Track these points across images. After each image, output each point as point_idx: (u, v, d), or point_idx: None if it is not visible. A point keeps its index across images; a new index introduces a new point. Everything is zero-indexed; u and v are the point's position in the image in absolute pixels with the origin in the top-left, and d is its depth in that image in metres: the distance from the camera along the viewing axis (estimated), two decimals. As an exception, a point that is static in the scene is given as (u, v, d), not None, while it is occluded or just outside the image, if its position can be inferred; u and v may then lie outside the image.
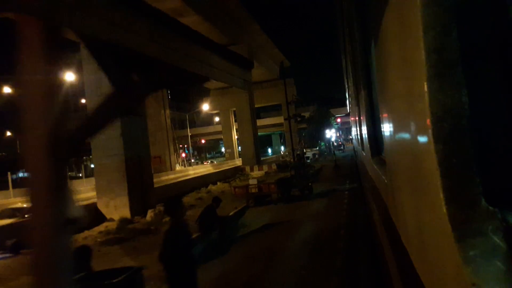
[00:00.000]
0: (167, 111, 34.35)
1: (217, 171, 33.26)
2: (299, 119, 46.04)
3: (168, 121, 34.58)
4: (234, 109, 63.29)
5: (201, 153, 73.11)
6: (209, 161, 59.29)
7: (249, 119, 31.15)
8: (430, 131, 0.65)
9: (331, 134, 45.29)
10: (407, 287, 1.25)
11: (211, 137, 74.17)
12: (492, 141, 0.73)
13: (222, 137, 61.29)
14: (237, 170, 31.72)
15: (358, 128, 4.51)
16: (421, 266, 0.92)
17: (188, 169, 41.62)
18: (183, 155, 62.16)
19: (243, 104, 31.59)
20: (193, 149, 78.39)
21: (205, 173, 33.76)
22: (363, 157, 4.28)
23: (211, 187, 22.62)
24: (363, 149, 3.63)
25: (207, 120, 74.43)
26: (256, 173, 29.21)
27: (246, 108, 31.35)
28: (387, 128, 1.28)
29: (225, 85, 58.43)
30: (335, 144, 52.47)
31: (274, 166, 31.80)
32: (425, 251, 0.84)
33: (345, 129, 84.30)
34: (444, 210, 0.62)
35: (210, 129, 74.23)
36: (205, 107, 51.03)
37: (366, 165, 3.53)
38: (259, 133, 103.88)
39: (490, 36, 0.73)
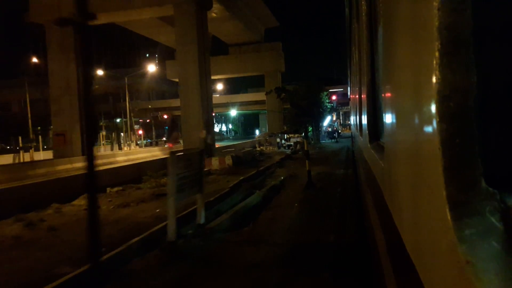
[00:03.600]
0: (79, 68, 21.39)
1: (149, 160, 20.78)
2: (283, 94, 32.73)
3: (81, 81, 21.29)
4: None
5: (173, 131, 61.44)
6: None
7: (197, 84, 18.81)
8: (435, 110, 0.68)
9: (320, 115, 33.43)
10: (396, 268, 1.29)
11: (179, 112, 61.34)
12: (497, 124, 0.76)
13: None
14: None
15: (357, 113, 4.45)
16: (413, 246, 0.96)
17: (116, 154, 28.78)
18: (140, 132, 49.93)
19: (187, 60, 19.16)
20: (158, 125, 66.06)
21: (134, 161, 21.25)
22: (361, 143, 4.17)
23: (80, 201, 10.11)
24: (361, 135, 3.67)
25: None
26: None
27: (193, 67, 19.01)
28: (389, 110, 1.30)
29: None
30: (329, 129, 40.07)
31: (229, 159, 22.36)
32: (419, 230, 0.88)
33: (343, 114, 72.71)
34: (443, 190, 0.66)
35: (179, 102, 61.27)
36: (152, 68, 37.60)
37: (364, 151, 3.47)
38: (243, 111, 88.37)
39: (504, 16, 0.75)
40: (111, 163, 25.58)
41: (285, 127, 40.67)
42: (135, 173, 18.10)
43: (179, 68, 23.31)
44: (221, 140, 78.32)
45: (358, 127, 4.40)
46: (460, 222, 0.63)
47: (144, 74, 49.44)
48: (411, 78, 0.89)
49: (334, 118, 65.15)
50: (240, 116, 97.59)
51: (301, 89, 34.15)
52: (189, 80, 22.58)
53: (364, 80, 2.85)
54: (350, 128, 34.29)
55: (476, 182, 0.64)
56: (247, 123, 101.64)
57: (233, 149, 27.53)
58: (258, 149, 30.79)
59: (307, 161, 11.17)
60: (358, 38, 3.64)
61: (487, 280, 0.57)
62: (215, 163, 22.67)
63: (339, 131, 47.38)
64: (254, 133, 71.59)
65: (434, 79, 0.68)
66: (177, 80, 52.26)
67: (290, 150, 30.04)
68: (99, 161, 26.33)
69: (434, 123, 0.68)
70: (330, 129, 44.91)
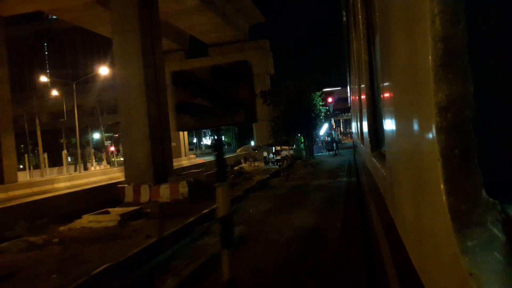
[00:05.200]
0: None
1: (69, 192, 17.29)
2: (268, 102, 27.84)
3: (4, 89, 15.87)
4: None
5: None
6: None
7: (141, 86, 11.98)
8: (433, 121, 0.71)
9: (313, 122, 27.61)
10: (401, 277, 1.34)
11: None
12: (495, 133, 0.79)
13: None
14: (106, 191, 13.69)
15: (358, 121, 4.61)
16: (417, 257, 1.00)
17: (56, 180, 23.17)
18: (112, 148, 44.49)
19: (126, 53, 12.34)
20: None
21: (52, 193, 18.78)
22: (362, 152, 4.31)
23: None
24: (363, 143, 3.79)
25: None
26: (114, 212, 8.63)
27: (135, 63, 12.33)
28: (388, 120, 1.35)
29: (171, 47, 38.28)
30: (327, 139, 34.07)
31: (183, 187, 16.10)
32: (422, 242, 0.92)
33: (344, 121, 67.60)
34: (444, 201, 0.69)
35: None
36: (105, 71, 31.75)
37: (366, 160, 3.59)
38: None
39: (498, 26, 0.79)
40: (39, 193, 19.83)
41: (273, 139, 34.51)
42: (32, 213, 12.07)
43: (116, 63, 17.37)
44: (212, 153, 71.93)
45: (360, 136, 4.46)
46: (462, 233, 0.65)
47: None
48: (409, 89, 0.93)
49: (334, 126, 58.77)
50: (233, 127, 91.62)
51: (288, 90, 27.95)
52: (130, 80, 16.74)
53: (363, 88, 2.97)
54: (351, 137, 31.02)
55: (477, 192, 0.66)
56: (242, 134, 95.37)
57: (200, 170, 21.31)
58: (236, 167, 24.63)
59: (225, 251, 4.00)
60: (357, 47, 3.82)
61: None
62: (164, 193, 16.59)
63: (339, 141, 40.88)
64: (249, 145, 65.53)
65: (431, 91, 0.71)
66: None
67: (278, 165, 24.08)
68: (23, 191, 20.24)
69: (433, 133, 0.71)
70: (329, 139, 38.14)
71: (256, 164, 29.65)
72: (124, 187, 16.83)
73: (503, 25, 0.77)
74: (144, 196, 16.43)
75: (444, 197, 0.67)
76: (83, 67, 71.19)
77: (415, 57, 0.83)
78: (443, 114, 0.68)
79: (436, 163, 0.69)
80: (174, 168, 29.87)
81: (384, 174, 1.69)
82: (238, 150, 49.67)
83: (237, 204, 12.28)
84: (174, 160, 40.87)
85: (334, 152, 32.57)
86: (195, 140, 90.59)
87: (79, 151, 36.16)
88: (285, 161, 24.49)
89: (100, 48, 68.47)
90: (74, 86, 33.53)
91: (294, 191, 14.42)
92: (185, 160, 42.49)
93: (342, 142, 48.67)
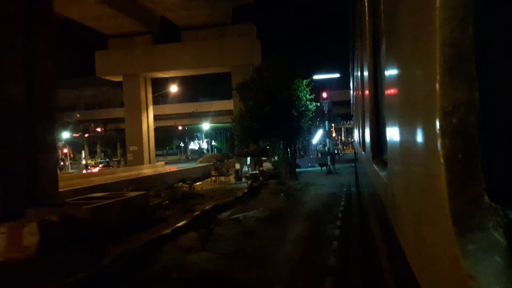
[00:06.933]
0: None
1: None
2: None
3: None
4: (152, 74, 32.94)
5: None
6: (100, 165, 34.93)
7: None
8: (437, 126, 0.75)
9: (294, 123, 19.90)
10: (399, 283, 1.36)
11: (120, 125, 50.09)
12: (498, 139, 0.82)
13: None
14: None
15: (360, 130, 4.66)
16: (416, 261, 1.04)
17: None
18: (65, 150, 38.61)
19: None
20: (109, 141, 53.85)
21: None
22: (363, 160, 4.38)
23: None
24: (364, 151, 3.82)
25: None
26: None
27: None
28: (392, 124, 1.38)
29: (135, 29, 28.55)
30: (323, 150, 26.67)
31: (31, 235, 8.42)
32: (421, 246, 0.96)
33: (346, 130, 62.08)
34: (446, 205, 0.72)
35: (117, 113, 49.62)
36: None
37: (366, 168, 3.63)
38: (219, 124, 74.32)
39: (506, 33, 0.82)
40: None
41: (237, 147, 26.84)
42: None
43: None
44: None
45: (361, 143, 4.44)
46: (463, 237, 0.68)
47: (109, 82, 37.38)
48: (414, 94, 0.96)
49: (334, 134, 51.01)
50: (225, 130, 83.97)
51: (261, 77, 20.20)
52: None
53: (366, 94, 2.94)
54: (353, 147, 27.64)
55: (479, 197, 0.69)
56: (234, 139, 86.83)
57: (106, 194, 13.56)
58: (185, 185, 17.25)
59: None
60: (361, 53, 3.83)
61: None
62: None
63: (338, 153, 32.93)
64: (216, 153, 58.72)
65: (436, 95, 0.74)
66: (113, 78, 39.50)
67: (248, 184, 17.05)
68: None
69: (437, 138, 0.74)
70: (326, 149, 30.21)
71: (223, 179, 22.33)
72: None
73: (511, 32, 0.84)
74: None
75: (446, 201, 0.70)
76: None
77: (421, 61, 0.85)
78: (448, 118, 0.70)
79: (440, 167, 0.71)
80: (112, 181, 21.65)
81: (385, 180, 1.72)
82: (198, 161, 40.15)
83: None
84: (133, 168, 33.48)
85: (327, 168, 25.04)
86: (181, 144, 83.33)
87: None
88: (251, 182, 17.28)
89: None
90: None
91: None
92: (149, 168, 35.86)
93: (342, 153, 40.69)
